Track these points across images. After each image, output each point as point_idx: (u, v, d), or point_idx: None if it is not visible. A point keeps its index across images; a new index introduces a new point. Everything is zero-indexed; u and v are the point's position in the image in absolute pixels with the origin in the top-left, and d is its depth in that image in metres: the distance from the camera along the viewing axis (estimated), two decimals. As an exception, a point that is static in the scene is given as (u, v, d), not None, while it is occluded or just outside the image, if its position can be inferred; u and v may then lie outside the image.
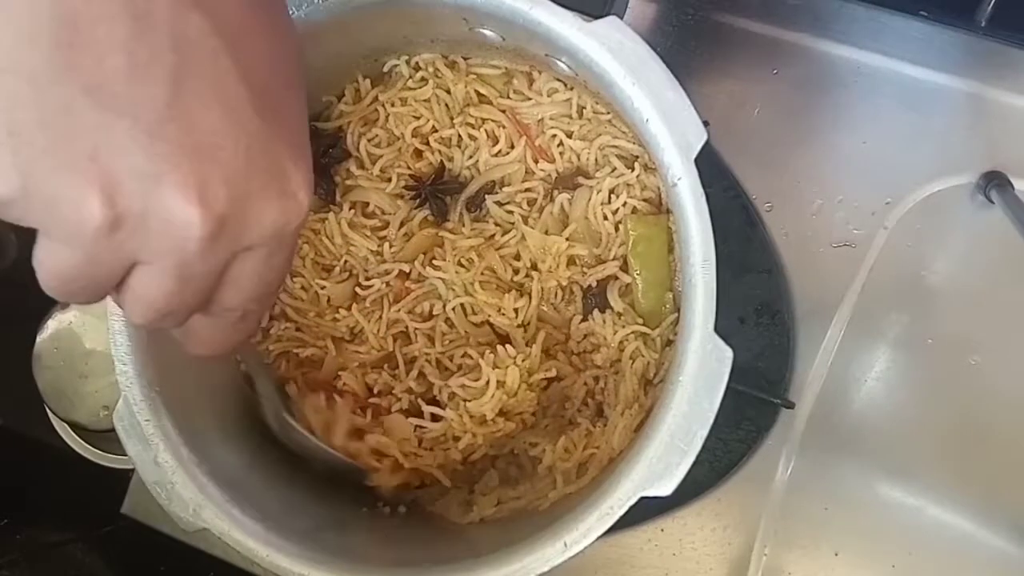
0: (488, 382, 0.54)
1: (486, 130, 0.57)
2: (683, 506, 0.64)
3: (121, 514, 0.65)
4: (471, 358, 0.56)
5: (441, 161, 0.57)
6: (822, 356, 0.64)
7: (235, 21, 0.29)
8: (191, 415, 0.50)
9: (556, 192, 0.56)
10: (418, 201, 0.57)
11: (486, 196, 0.57)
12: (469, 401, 0.54)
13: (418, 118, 0.57)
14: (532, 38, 0.47)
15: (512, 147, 0.57)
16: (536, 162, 0.57)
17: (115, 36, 0.26)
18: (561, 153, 0.56)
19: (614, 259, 0.56)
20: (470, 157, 0.57)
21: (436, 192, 0.57)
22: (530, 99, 0.56)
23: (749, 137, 0.66)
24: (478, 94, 0.57)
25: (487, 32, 0.51)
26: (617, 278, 0.56)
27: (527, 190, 0.57)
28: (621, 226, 0.55)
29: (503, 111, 0.57)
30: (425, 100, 0.57)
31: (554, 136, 0.56)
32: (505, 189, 0.57)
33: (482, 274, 0.56)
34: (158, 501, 0.48)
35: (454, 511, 0.57)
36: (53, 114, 0.26)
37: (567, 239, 0.56)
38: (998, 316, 0.64)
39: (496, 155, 0.57)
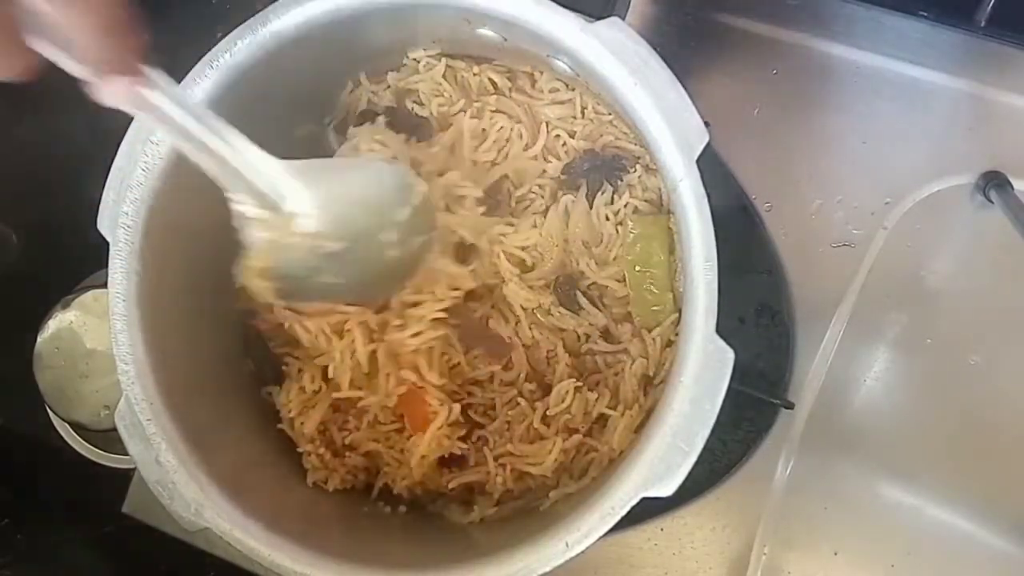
0: (551, 450, 0.54)
1: (511, 126, 0.57)
2: (683, 506, 0.64)
3: (122, 513, 0.65)
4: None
5: None
6: (822, 356, 0.65)
7: None
8: (193, 414, 0.50)
9: (561, 193, 0.56)
10: None
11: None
12: (531, 464, 0.54)
13: (440, 95, 0.56)
14: (534, 38, 0.47)
15: (533, 142, 0.57)
16: (547, 160, 0.57)
17: None
18: (566, 153, 0.57)
19: (615, 260, 0.56)
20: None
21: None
22: (540, 98, 0.57)
23: (749, 137, 0.66)
24: (492, 83, 0.57)
25: (489, 32, 0.51)
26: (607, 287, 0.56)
27: (538, 187, 0.57)
28: (621, 227, 0.56)
29: (519, 105, 0.57)
30: (439, 80, 0.56)
31: (557, 136, 0.56)
32: (519, 190, 0.57)
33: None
34: (160, 500, 0.48)
35: (454, 511, 0.57)
36: None
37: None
38: (997, 316, 0.64)
39: (525, 150, 0.57)
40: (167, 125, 0.38)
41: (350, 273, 0.46)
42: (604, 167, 0.56)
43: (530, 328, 0.56)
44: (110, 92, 0.35)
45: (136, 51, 0.34)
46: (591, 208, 0.56)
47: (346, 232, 0.44)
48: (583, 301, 0.56)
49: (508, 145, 0.57)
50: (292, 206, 0.42)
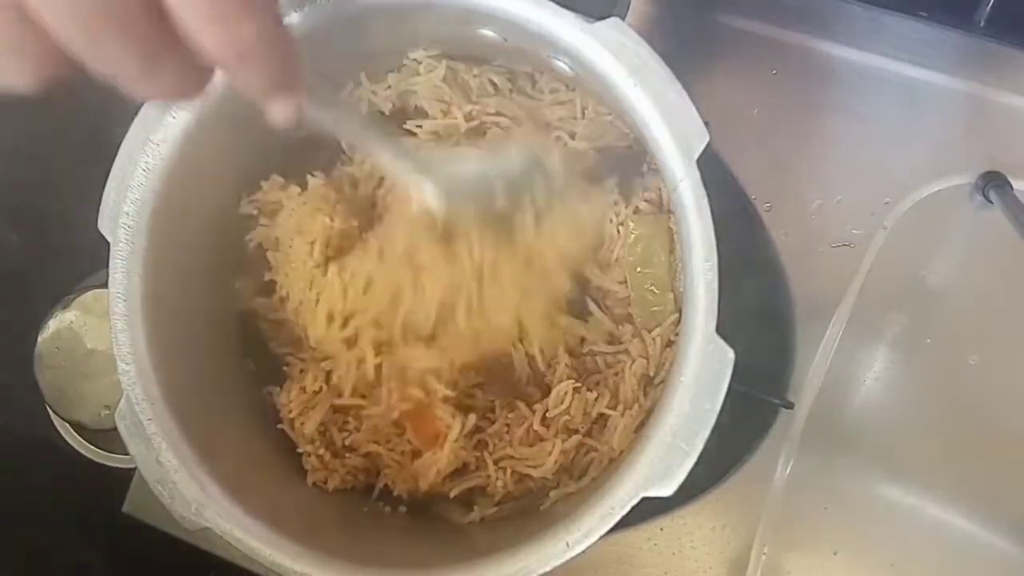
0: (551, 452, 0.53)
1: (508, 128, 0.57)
2: (683, 506, 0.64)
3: (122, 513, 0.65)
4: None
5: None
6: (821, 356, 0.65)
7: None
8: (193, 414, 0.50)
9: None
10: None
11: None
12: (531, 466, 0.54)
13: (440, 99, 0.56)
14: (534, 39, 0.47)
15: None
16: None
17: None
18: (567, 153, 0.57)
19: (616, 261, 0.56)
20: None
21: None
22: (541, 99, 0.57)
23: (749, 137, 0.66)
24: (492, 84, 0.57)
25: (489, 33, 0.51)
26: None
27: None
28: (622, 227, 0.56)
29: (520, 107, 0.57)
30: (438, 83, 0.56)
31: (558, 138, 0.56)
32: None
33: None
34: (160, 500, 0.48)
35: (455, 511, 0.57)
36: None
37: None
38: (997, 316, 0.64)
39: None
40: (328, 128, 0.42)
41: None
42: (628, 160, 0.56)
43: None
44: (275, 112, 0.36)
45: (295, 77, 0.35)
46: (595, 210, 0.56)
47: (478, 211, 0.48)
48: (593, 308, 0.56)
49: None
50: (421, 189, 0.45)
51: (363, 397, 0.55)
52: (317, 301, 0.53)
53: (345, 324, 0.53)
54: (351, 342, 0.53)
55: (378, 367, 0.53)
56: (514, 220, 0.50)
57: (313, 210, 0.54)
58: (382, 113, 0.57)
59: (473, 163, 0.48)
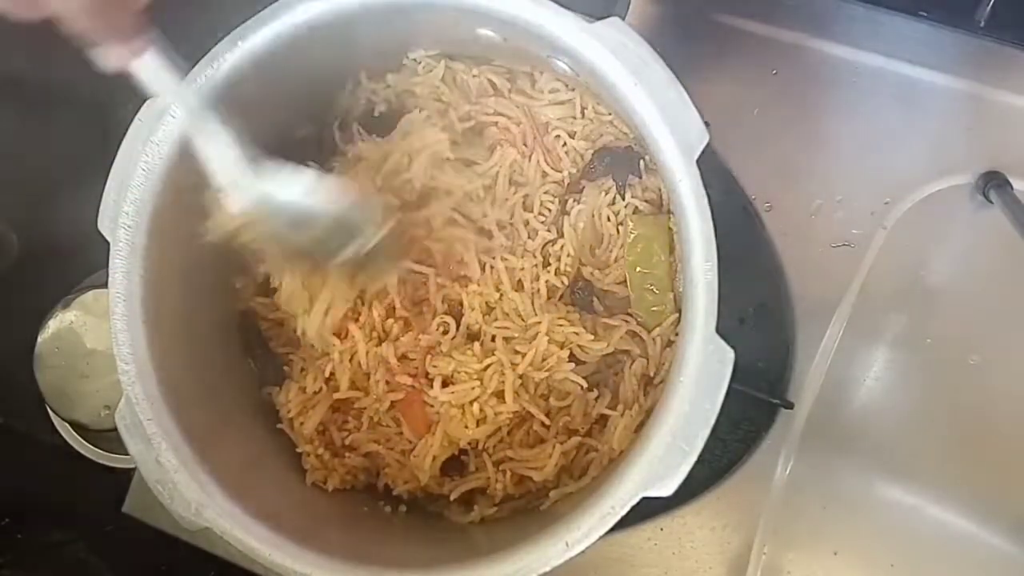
0: (551, 454, 0.54)
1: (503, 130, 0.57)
2: (683, 505, 0.64)
3: (122, 513, 0.65)
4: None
5: None
6: (821, 356, 0.65)
7: None
8: (193, 415, 0.50)
9: (572, 202, 0.57)
10: None
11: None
12: (532, 469, 0.54)
13: (438, 100, 0.57)
14: (534, 39, 0.47)
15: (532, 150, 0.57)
16: (549, 167, 0.57)
17: None
18: (566, 153, 0.57)
19: (616, 261, 0.56)
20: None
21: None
22: (540, 99, 0.57)
23: (749, 137, 0.66)
24: (491, 84, 0.57)
25: (489, 33, 0.51)
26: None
27: (546, 194, 0.57)
28: (622, 227, 0.56)
29: (518, 107, 0.57)
30: (437, 84, 0.57)
31: (558, 137, 0.56)
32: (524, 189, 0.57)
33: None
34: (160, 500, 0.48)
35: (455, 511, 0.57)
36: None
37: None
38: (997, 316, 0.64)
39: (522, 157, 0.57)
40: (158, 94, 0.42)
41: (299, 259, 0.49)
42: (624, 160, 0.56)
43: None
44: (104, 57, 0.37)
45: (127, 25, 0.36)
46: (598, 210, 0.56)
47: (282, 236, 0.46)
48: (599, 308, 0.56)
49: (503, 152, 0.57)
50: (228, 193, 0.44)
51: (360, 390, 0.56)
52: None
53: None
54: (340, 333, 0.54)
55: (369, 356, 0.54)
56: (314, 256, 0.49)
57: None
58: (375, 116, 0.58)
59: (301, 191, 0.46)
